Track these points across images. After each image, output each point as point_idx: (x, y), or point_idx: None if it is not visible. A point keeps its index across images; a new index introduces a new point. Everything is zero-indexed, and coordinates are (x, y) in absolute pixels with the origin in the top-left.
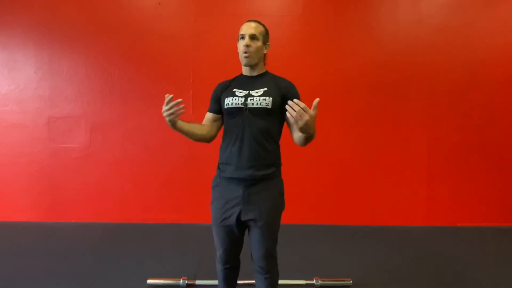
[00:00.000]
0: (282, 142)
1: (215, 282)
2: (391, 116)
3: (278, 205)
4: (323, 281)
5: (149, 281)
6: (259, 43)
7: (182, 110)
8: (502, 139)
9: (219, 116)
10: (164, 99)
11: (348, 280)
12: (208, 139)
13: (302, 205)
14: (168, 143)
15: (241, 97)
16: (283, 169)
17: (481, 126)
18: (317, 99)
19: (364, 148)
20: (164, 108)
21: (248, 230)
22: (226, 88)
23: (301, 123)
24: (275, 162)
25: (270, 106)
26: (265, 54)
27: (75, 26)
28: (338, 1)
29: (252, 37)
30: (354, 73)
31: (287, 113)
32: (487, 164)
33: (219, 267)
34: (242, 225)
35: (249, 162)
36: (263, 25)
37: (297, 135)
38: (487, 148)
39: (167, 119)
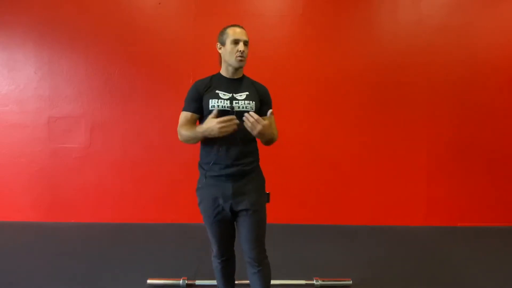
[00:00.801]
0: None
1: (215, 282)
2: (391, 116)
3: (263, 195)
4: (323, 281)
5: (149, 281)
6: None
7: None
8: (502, 139)
9: (199, 116)
10: (164, 99)
11: (348, 280)
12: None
13: (302, 205)
14: (168, 143)
15: (226, 99)
16: (283, 169)
17: (481, 126)
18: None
19: (364, 148)
20: (224, 124)
21: (237, 222)
22: (208, 89)
23: (255, 132)
24: (257, 158)
25: (253, 110)
26: None
27: (75, 26)
28: (338, 1)
29: (245, 43)
30: (354, 73)
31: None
32: (487, 164)
33: (216, 262)
34: (233, 217)
35: (237, 161)
36: None
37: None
38: (487, 148)
39: (223, 130)
